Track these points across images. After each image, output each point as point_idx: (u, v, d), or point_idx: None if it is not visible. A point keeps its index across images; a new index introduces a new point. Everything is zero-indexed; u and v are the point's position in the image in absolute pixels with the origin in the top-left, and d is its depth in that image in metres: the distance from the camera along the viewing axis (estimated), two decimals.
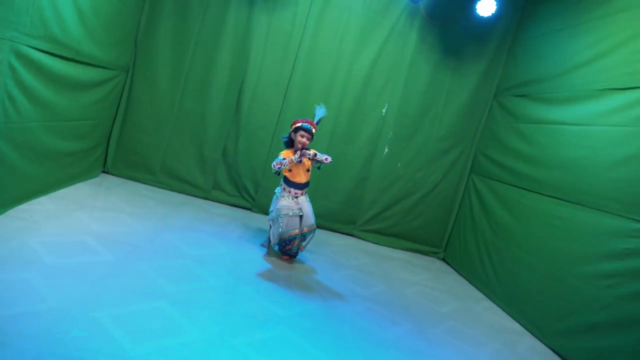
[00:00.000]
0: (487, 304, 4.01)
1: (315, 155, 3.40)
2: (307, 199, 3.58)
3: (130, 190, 4.34)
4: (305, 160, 3.44)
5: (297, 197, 3.49)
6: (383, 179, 5.02)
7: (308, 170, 3.50)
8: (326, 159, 3.39)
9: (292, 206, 3.46)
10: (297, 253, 3.64)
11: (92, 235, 2.99)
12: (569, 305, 3.27)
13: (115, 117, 4.61)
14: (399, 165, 5.03)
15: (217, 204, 4.78)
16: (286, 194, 3.50)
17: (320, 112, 3.53)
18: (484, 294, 4.23)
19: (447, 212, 5.20)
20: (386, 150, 4.99)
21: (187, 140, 4.74)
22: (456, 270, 4.84)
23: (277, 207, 3.47)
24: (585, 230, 3.32)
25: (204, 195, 4.81)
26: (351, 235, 5.07)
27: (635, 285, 2.85)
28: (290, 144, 3.52)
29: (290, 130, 3.52)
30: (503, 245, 4.19)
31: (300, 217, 3.46)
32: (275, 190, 3.63)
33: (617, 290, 2.95)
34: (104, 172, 4.69)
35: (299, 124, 3.44)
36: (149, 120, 4.66)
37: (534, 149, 4.12)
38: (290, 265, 3.57)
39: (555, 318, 3.35)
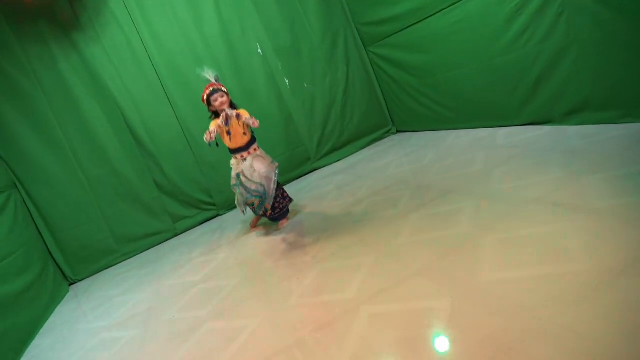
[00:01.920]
0: (456, 132, 4.22)
1: (238, 115, 3.30)
2: (257, 154, 3.45)
3: (105, 280, 4.12)
4: (235, 124, 3.34)
5: (244, 160, 3.43)
6: (302, 105, 5.00)
7: (245, 134, 3.40)
8: (253, 122, 3.29)
9: (236, 173, 3.41)
10: (271, 215, 3.56)
11: (105, 330, 2.85)
12: (517, 80, 3.50)
13: (38, 231, 4.28)
14: (306, 85, 5.01)
15: (188, 232, 4.64)
16: (235, 160, 3.45)
17: (206, 74, 3.40)
18: (453, 128, 4.41)
19: (372, 93, 5.29)
20: (287, 81, 4.93)
21: (119, 203, 4.50)
22: (415, 131, 5.00)
23: (232, 177, 3.44)
24: (483, 13, 3.48)
25: (172, 234, 4.66)
26: (314, 170, 5.10)
27: (541, 23, 3.07)
28: (216, 115, 3.39)
29: (207, 106, 3.36)
30: (433, 79, 4.35)
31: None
32: (230, 162, 3.52)
33: (535, 37, 3.17)
34: (71, 284, 4.41)
35: (206, 93, 3.31)
36: (71, 211, 4.36)
37: None
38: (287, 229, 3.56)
39: (511, 98, 3.59)
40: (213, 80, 3.39)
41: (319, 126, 5.07)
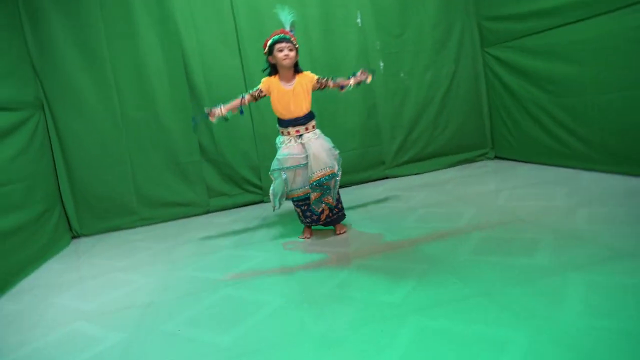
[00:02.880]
0: (590, 174, 3.20)
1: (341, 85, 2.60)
2: (318, 134, 2.62)
3: (113, 244, 3.36)
4: (301, 87, 2.56)
5: (300, 137, 2.58)
6: (392, 98, 4.11)
7: (306, 102, 2.58)
8: (364, 75, 2.58)
9: (296, 153, 2.55)
10: (327, 217, 2.68)
11: (84, 318, 2.04)
12: None
13: (54, 167, 3.59)
14: (402, 75, 4.12)
15: (222, 213, 3.83)
16: (285, 138, 2.61)
17: (285, 17, 2.59)
18: (586, 168, 3.38)
19: (476, 104, 4.33)
20: (381, 64, 4.06)
21: (152, 157, 3.75)
22: (521, 161, 3.99)
23: (277, 157, 2.59)
24: None
25: (203, 210, 3.86)
26: (386, 178, 4.19)
27: None
28: (274, 68, 2.60)
29: (265, 55, 2.58)
30: (577, 100, 3.33)
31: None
32: (276, 142, 2.69)
33: None
34: (74, 237, 3.70)
35: (272, 37, 2.51)
36: (96, 153, 3.65)
37: None
38: (330, 242, 2.67)
39: None
40: (287, 27, 2.57)
41: (404, 127, 4.16)
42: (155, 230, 3.58)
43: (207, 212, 3.87)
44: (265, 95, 2.63)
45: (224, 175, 3.90)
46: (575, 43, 3.21)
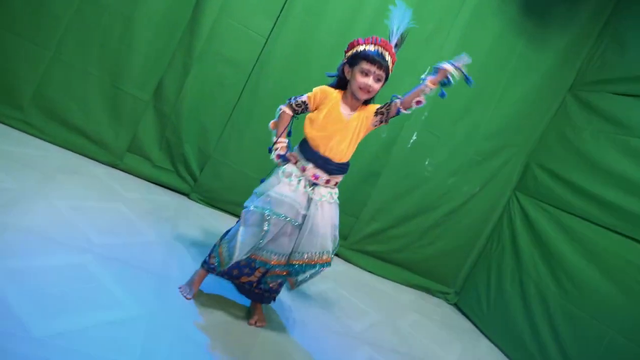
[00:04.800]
0: None
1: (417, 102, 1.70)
2: (335, 197, 1.76)
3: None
4: (360, 120, 1.71)
5: (315, 186, 1.70)
6: (401, 179, 3.31)
7: (349, 147, 1.72)
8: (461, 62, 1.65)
9: (298, 201, 1.66)
10: (249, 284, 1.81)
11: None
12: None
13: None
14: (426, 163, 3.34)
15: (130, 179, 2.78)
16: (296, 172, 1.70)
17: (399, 19, 1.71)
18: None
19: (472, 241, 3.63)
20: (414, 137, 3.27)
21: (92, 59, 2.64)
22: (484, 334, 3.28)
23: (269, 192, 1.66)
24: None
25: (110, 159, 2.78)
26: (336, 255, 3.34)
27: None
28: (342, 83, 1.74)
29: (344, 60, 1.72)
30: (582, 314, 2.70)
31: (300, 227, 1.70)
32: (278, 168, 1.76)
33: None
34: None
35: (360, 47, 1.65)
36: (21, 12, 2.51)
37: None
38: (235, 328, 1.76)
39: None
40: (393, 39, 1.72)
41: (392, 217, 3.35)
42: (34, 147, 2.46)
43: (114, 166, 2.79)
44: (309, 111, 1.74)
45: (163, 138, 2.86)
46: (629, 263, 2.58)
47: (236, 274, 1.75)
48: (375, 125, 1.75)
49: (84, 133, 2.69)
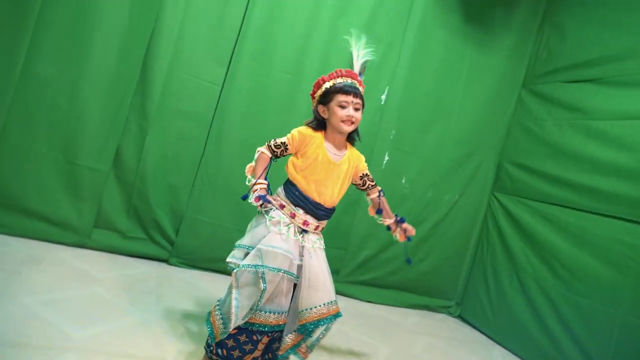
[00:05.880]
0: None
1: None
2: (322, 242, 1.69)
3: None
4: (349, 157, 1.69)
5: (305, 233, 1.61)
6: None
7: (339, 193, 1.69)
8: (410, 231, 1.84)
9: (289, 251, 1.55)
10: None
11: None
12: None
13: None
14: (403, 181, 3.32)
15: (101, 256, 2.59)
16: (284, 219, 1.60)
17: (359, 49, 1.69)
18: None
19: (463, 248, 3.60)
20: (386, 158, 3.25)
21: (40, 137, 2.47)
22: (494, 340, 3.20)
23: (259, 246, 1.53)
24: None
25: (77, 239, 2.57)
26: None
27: None
28: (321, 124, 1.69)
29: (315, 102, 1.68)
30: (587, 302, 2.67)
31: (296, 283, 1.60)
32: (266, 216, 1.63)
33: None
34: None
35: (328, 84, 1.60)
36: None
37: (619, 153, 2.71)
38: None
39: None
40: (357, 68, 1.69)
41: (379, 241, 3.28)
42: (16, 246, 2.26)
43: (82, 245, 2.59)
44: (289, 154, 1.69)
45: (131, 207, 2.70)
46: (623, 245, 2.60)
47: (238, 356, 1.55)
48: (353, 180, 1.77)
49: (44, 217, 2.49)
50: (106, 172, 2.60)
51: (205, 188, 2.78)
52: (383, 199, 1.81)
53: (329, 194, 1.63)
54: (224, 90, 2.77)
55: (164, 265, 2.74)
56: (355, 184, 1.80)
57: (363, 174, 1.77)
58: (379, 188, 1.83)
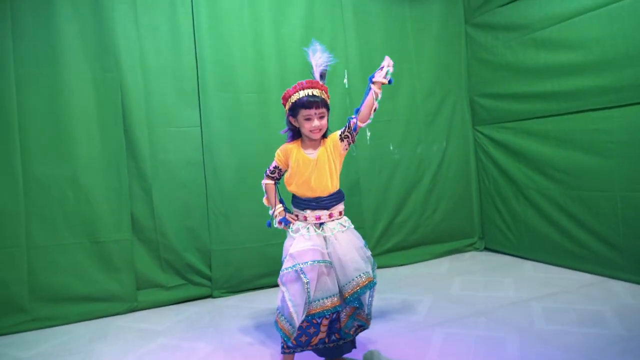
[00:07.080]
0: (621, 284, 2.67)
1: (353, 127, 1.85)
2: (347, 224, 1.87)
3: None
4: (325, 155, 1.83)
5: (321, 226, 1.81)
6: (377, 174, 3.48)
7: (333, 177, 1.84)
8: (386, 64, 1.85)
9: (318, 244, 1.76)
10: (322, 342, 1.85)
11: None
12: None
13: None
14: (391, 148, 3.53)
15: (155, 312, 2.81)
16: (301, 224, 1.82)
17: (317, 58, 1.88)
18: (598, 272, 2.87)
19: (467, 187, 3.82)
20: (368, 134, 3.45)
21: (61, 231, 2.70)
22: (520, 257, 3.43)
23: (289, 252, 1.76)
24: None
25: (127, 307, 2.80)
26: None
27: None
28: (296, 132, 1.89)
29: (287, 114, 1.86)
30: (587, 194, 2.90)
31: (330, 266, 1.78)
32: (288, 231, 1.87)
33: None
34: None
35: (293, 97, 1.79)
36: None
37: (568, 54, 2.91)
38: None
39: None
40: (316, 77, 1.89)
41: (390, 208, 3.50)
42: (51, 335, 2.47)
43: (133, 309, 2.82)
44: (284, 172, 1.91)
45: (162, 261, 2.92)
46: (599, 132, 2.81)
47: (306, 340, 1.79)
48: (346, 149, 1.89)
49: (91, 298, 2.72)
50: (129, 239, 2.82)
51: (218, 220, 2.98)
52: (360, 111, 1.83)
53: (321, 185, 1.81)
54: (204, 127, 2.98)
55: (209, 300, 2.96)
56: (349, 145, 1.86)
57: (342, 137, 1.83)
58: (353, 118, 1.83)
